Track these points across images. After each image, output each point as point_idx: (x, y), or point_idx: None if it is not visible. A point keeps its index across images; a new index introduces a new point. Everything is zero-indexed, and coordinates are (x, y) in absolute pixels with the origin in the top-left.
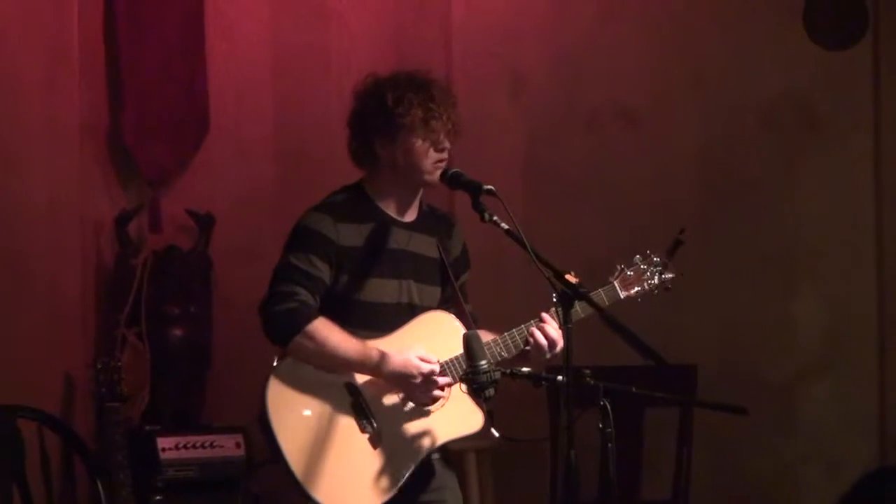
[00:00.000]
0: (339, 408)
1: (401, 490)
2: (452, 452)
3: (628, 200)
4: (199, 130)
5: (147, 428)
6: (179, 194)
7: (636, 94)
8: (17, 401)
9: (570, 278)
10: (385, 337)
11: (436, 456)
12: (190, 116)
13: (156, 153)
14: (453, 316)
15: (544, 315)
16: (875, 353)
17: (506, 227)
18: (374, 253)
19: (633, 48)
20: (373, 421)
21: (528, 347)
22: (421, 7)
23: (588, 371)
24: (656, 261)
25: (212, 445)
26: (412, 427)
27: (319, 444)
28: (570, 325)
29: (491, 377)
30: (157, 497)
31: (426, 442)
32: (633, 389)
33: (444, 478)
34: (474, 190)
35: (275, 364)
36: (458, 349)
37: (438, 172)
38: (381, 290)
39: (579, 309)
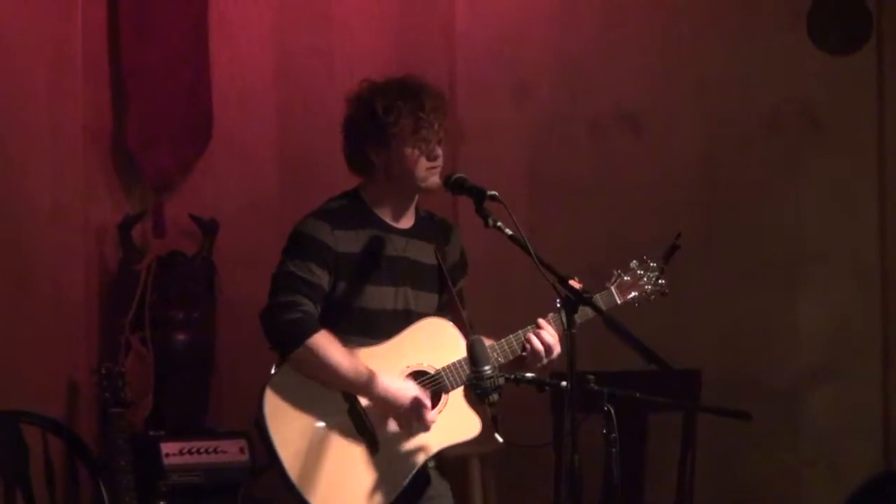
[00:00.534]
0: (336, 415)
1: (397, 498)
2: (456, 458)
3: (632, 206)
4: (203, 135)
5: (151, 433)
6: (183, 199)
7: (640, 100)
8: (21, 406)
9: (574, 283)
10: (382, 344)
11: (431, 464)
12: (194, 121)
13: (159, 158)
14: (450, 322)
15: (541, 321)
16: (879, 358)
17: (510, 232)
18: (371, 260)
19: (637, 54)
20: (370, 428)
21: (524, 353)
22: (425, 13)
23: (591, 376)
24: (653, 266)
25: (216, 451)
26: (410, 434)
27: (316, 451)
28: (573, 331)
29: (495, 382)
30: (161, 502)
31: (424, 449)
32: (637, 394)
33: (439, 486)
34: (478, 195)
35: (273, 371)
36: (455, 355)
37: (434, 178)
38: (378, 296)
39: (578, 313)
